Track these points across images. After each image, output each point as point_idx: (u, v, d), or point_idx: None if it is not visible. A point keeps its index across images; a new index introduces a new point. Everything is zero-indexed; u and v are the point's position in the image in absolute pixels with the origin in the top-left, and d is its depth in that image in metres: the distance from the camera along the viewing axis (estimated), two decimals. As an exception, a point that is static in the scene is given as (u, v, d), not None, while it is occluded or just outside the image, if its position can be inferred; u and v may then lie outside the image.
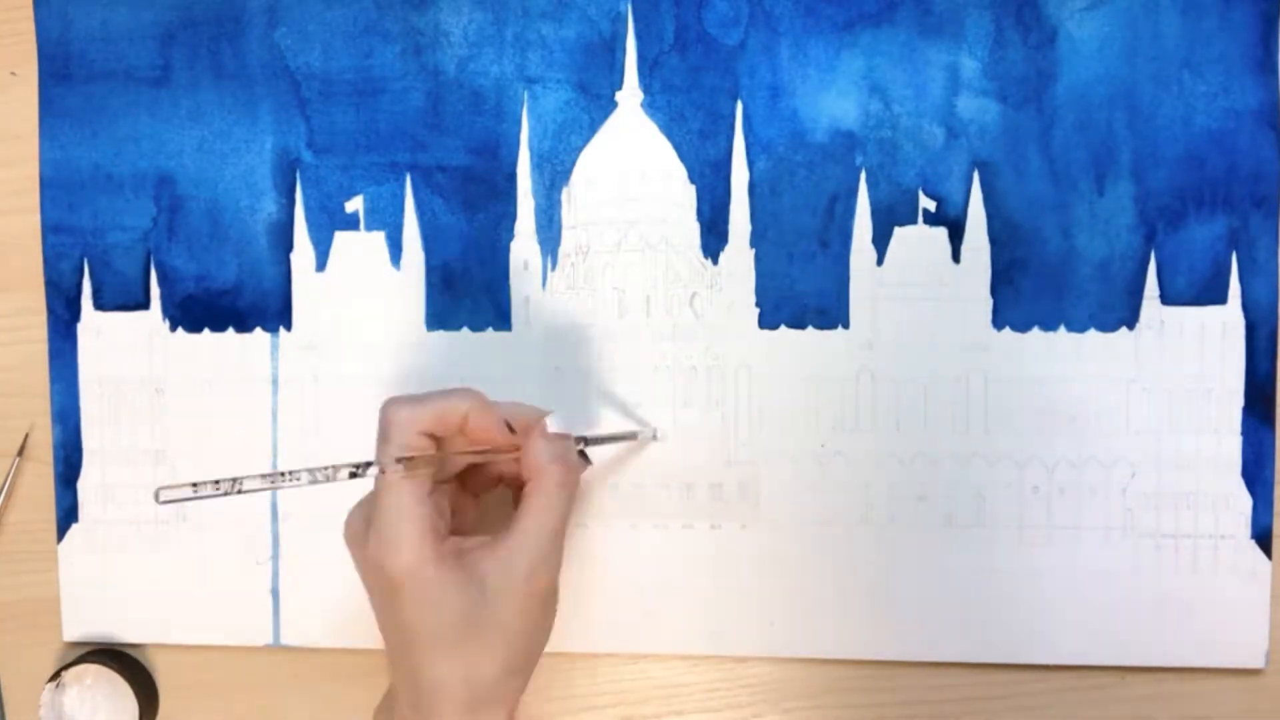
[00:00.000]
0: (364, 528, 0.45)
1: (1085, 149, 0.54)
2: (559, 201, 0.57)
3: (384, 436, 0.44)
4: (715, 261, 0.56)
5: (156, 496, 0.42)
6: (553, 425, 0.51)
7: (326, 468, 0.44)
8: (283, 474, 0.43)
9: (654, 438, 0.56)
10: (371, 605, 0.47)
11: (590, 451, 0.52)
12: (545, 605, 0.47)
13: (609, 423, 0.56)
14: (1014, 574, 0.55)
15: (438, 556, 0.44)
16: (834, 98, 0.55)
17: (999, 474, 0.55)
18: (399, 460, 0.43)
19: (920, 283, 0.55)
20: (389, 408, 0.45)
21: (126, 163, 0.58)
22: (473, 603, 0.44)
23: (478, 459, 0.48)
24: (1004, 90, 0.55)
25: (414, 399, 0.45)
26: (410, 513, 0.44)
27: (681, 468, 0.56)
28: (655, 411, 0.56)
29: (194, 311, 0.58)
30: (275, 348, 0.58)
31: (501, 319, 0.57)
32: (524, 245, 0.57)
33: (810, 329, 0.56)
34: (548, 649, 0.57)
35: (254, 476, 0.43)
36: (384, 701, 0.50)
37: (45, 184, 0.58)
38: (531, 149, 0.56)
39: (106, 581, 0.59)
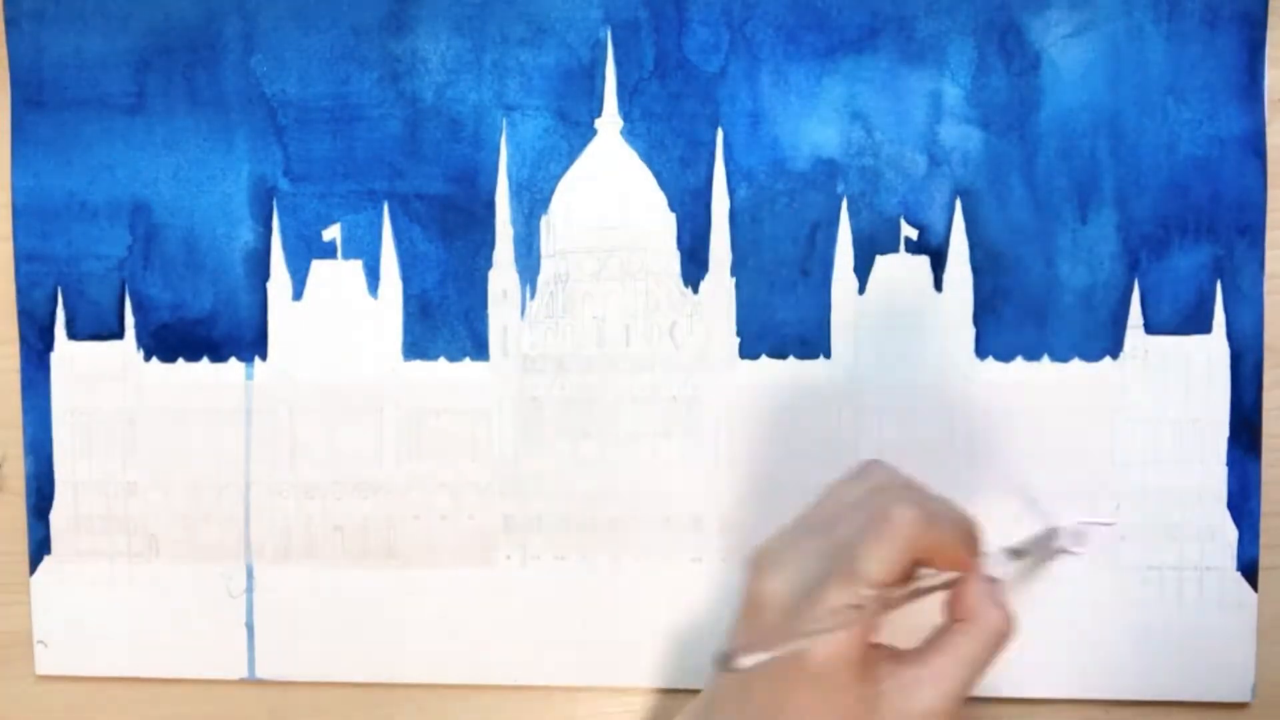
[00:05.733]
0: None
1: (1068, 177, 0.54)
2: (538, 230, 0.56)
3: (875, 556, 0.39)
4: (695, 290, 0.55)
5: (727, 663, 0.37)
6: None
7: None
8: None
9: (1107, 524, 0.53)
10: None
11: None
12: None
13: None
14: (998, 606, 0.54)
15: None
16: (815, 125, 0.55)
17: (982, 505, 0.54)
18: (855, 607, 0.39)
19: (902, 312, 0.55)
20: (907, 522, 0.40)
21: (101, 190, 0.57)
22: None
23: (909, 601, 0.42)
24: (987, 118, 0.54)
25: (930, 517, 0.41)
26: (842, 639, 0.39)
27: (662, 500, 0.56)
28: (634, 446, 0.56)
29: (169, 341, 0.57)
30: (250, 378, 0.57)
31: (479, 349, 0.56)
32: (502, 274, 0.56)
33: (791, 359, 0.55)
34: (523, 682, 0.56)
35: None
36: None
37: (18, 212, 0.57)
38: (510, 177, 0.56)
39: (80, 615, 0.58)
